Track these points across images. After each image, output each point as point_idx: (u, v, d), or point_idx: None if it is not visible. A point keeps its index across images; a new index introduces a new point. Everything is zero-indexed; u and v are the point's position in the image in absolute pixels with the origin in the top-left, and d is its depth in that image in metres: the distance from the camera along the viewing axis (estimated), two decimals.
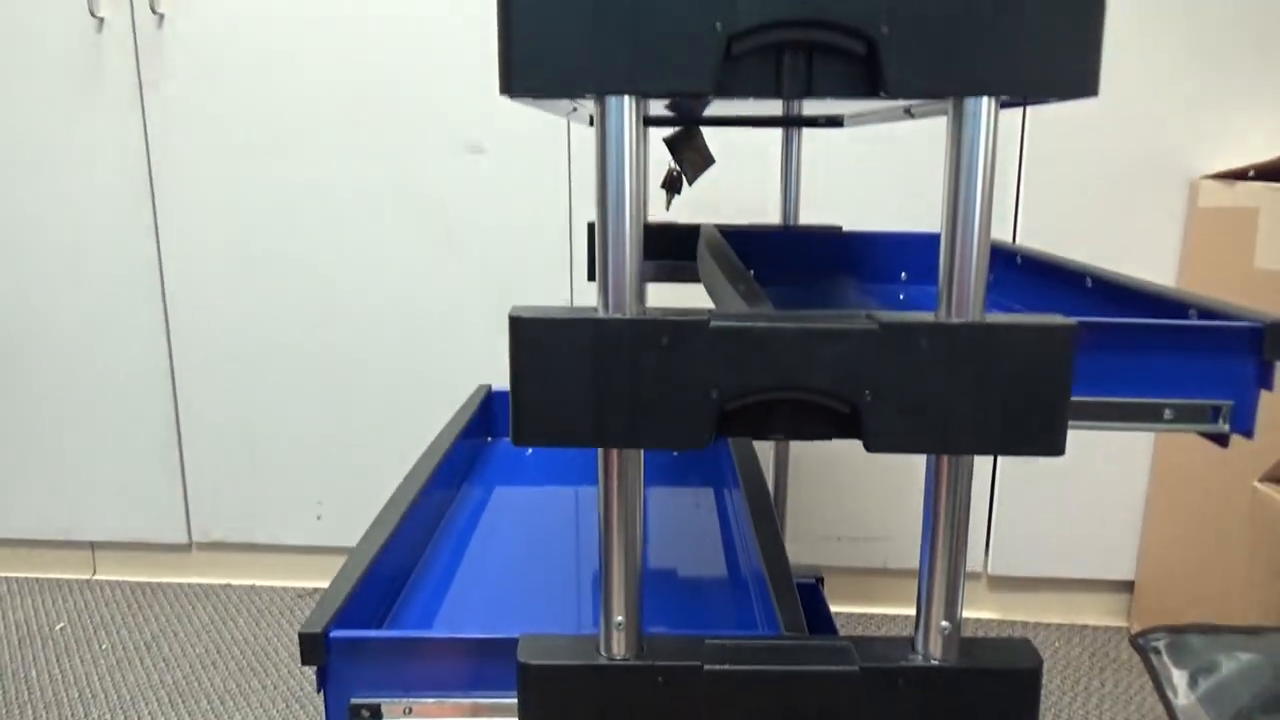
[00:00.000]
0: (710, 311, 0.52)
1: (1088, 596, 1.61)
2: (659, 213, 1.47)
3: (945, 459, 0.52)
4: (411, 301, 1.62)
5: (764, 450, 1.46)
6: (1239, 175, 1.43)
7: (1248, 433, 0.55)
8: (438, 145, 1.57)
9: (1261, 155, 1.39)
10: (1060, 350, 0.50)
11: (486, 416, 1.16)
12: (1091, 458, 1.56)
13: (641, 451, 0.53)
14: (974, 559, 1.61)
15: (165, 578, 1.76)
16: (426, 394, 1.65)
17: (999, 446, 0.50)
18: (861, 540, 1.62)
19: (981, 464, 1.57)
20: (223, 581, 1.74)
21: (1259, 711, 0.77)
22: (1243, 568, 1.15)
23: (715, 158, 1.21)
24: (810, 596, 1.26)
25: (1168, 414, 0.54)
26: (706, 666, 0.52)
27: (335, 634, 0.57)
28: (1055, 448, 0.51)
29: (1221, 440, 0.55)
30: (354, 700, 0.58)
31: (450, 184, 1.58)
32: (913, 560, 1.63)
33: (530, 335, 0.50)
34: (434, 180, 1.58)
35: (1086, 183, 1.50)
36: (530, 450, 1.15)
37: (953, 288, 0.51)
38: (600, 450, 0.52)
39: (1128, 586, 1.60)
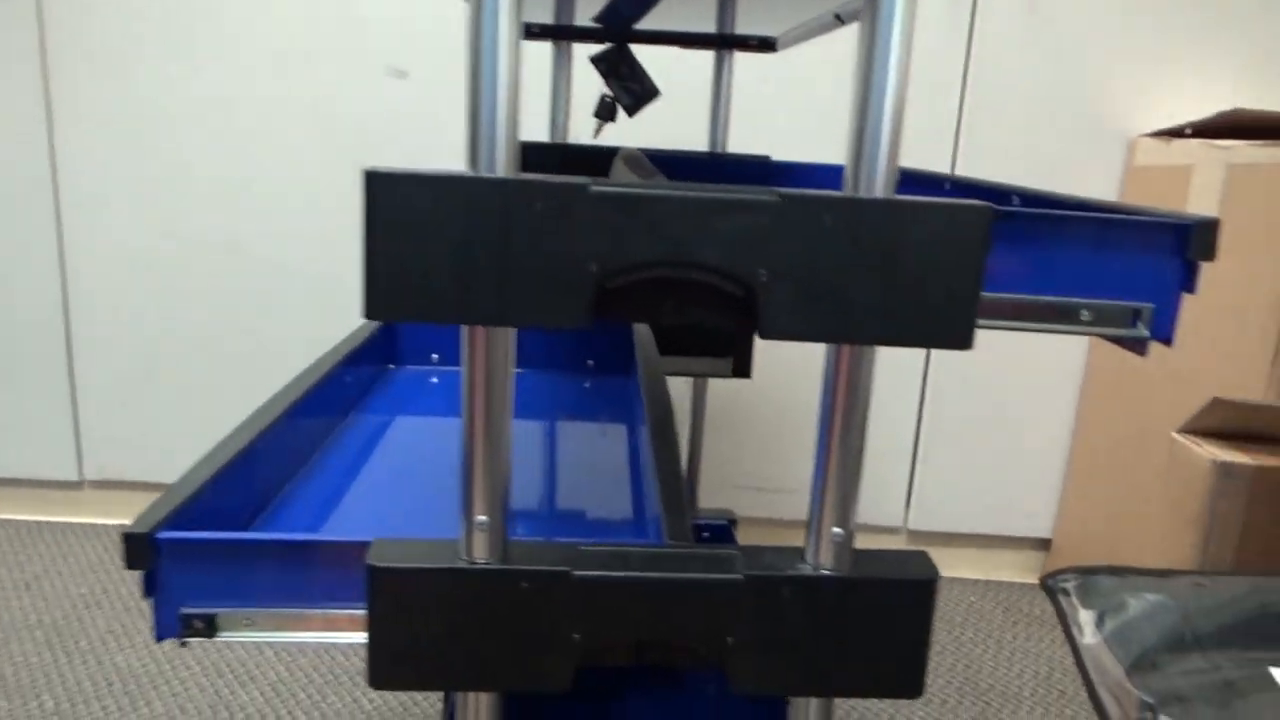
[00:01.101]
0: (593, 179, 0.46)
1: (1006, 553, 1.61)
2: (585, 139, 1.41)
3: (845, 350, 0.48)
4: (325, 231, 1.54)
5: (682, 395, 1.42)
6: (1176, 133, 1.42)
7: (1167, 340, 0.51)
8: (359, 67, 1.48)
9: (1203, 114, 1.37)
10: (973, 234, 0.45)
11: (390, 340, 1.09)
12: (1017, 414, 1.55)
13: (512, 332, 0.47)
14: (894, 513, 1.59)
15: (54, 516, 1.66)
16: (341, 329, 1.57)
17: (903, 337, 0.46)
18: (777, 492, 1.59)
19: (905, 417, 1.55)
20: (115, 521, 1.65)
21: (1164, 651, 0.76)
22: (1158, 521, 1.14)
23: (659, 89, 1.14)
24: (723, 537, 1.22)
25: (1085, 315, 0.50)
26: (576, 572, 0.47)
27: (163, 535, 0.51)
28: (963, 341, 0.46)
29: (1139, 347, 0.51)
30: (185, 610, 0.51)
31: (371, 108, 1.49)
32: None
33: (387, 195, 0.44)
34: (353, 104, 1.49)
35: (1027, 137, 1.47)
36: (436, 379, 1.08)
37: (860, 163, 0.46)
38: (465, 329, 0.47)
39: (1046, 544, 1.60)
